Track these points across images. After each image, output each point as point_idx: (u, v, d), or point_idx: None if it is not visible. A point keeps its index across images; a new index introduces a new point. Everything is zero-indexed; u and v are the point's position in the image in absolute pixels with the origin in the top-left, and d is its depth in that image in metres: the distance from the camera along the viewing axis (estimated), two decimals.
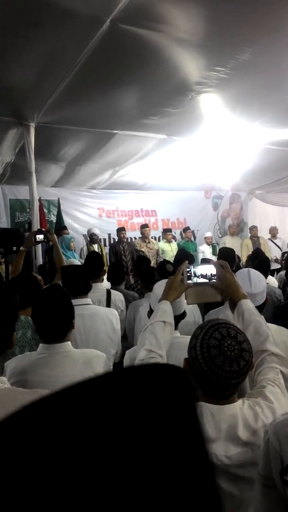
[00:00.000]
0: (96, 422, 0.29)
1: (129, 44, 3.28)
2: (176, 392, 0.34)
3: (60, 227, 7.33)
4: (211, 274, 1.62)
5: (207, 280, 1.61)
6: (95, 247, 7.58)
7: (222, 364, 1.04)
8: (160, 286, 2.00)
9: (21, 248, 3.63)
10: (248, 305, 1.50)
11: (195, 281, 1.62)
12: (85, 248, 7.62)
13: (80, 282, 2.50)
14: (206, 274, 1.63)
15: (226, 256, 3.96)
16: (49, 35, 3.12)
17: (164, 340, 1.44)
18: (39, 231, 3.95)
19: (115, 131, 5.44)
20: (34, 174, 5.16)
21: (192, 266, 1.64)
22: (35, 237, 3.75)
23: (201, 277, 1.63)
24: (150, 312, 2.07)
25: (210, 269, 1.63)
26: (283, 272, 5.30)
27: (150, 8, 2.86)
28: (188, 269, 1.63)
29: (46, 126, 4.97)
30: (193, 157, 6.74)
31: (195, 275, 1.63)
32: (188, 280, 1.62)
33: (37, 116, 4.69)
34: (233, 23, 3.11)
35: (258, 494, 0.97)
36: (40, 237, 3.77)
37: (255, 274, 2.01)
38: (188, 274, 1.63)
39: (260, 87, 4.27)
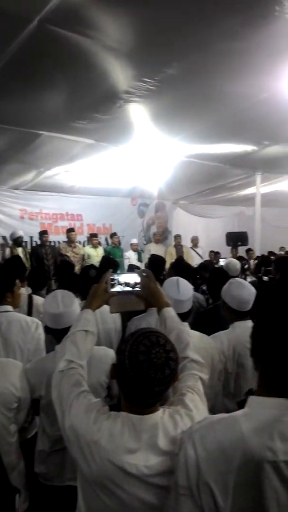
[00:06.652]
0: None
1: (58, 45, 3.21)
2: None
3: None
4: (134, 282, 1.63)
5: (130, 289, 1.62)
6: (19, 250, 7.27)
7: (148, 370, 1.05)
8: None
9: None
10: (170, 313, 1.53)
11: (119, 290, 1.62)
12: (7, 251, 7.27)
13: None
14: (130, 283, 1.64)
15: (154, 264, 3.96)
16: None
17: (85, 350, 1.41)
18: None
19: (41, 132, 5.28)
20: None
21: (116, 275, 1.64)
22: None
23: (125, 285, 1.63)
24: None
25: (134, 278, 1.64)
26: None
27: (79, 12, 2.82)
28: (112, 277, 1.63)
29: None
30: (121, 163, 6.79)
31: (119, 283, 1.63)
32: (112, 288, 1.61)
33: None
34: (163, 37, 3.18)
35: (174, 503, 0.97)
36: None
37: (183, 282, 2.12)
38: (112, 282, 1.62)
39: (183, 103, 4.44)
